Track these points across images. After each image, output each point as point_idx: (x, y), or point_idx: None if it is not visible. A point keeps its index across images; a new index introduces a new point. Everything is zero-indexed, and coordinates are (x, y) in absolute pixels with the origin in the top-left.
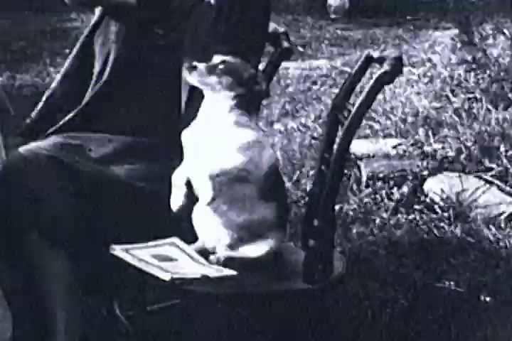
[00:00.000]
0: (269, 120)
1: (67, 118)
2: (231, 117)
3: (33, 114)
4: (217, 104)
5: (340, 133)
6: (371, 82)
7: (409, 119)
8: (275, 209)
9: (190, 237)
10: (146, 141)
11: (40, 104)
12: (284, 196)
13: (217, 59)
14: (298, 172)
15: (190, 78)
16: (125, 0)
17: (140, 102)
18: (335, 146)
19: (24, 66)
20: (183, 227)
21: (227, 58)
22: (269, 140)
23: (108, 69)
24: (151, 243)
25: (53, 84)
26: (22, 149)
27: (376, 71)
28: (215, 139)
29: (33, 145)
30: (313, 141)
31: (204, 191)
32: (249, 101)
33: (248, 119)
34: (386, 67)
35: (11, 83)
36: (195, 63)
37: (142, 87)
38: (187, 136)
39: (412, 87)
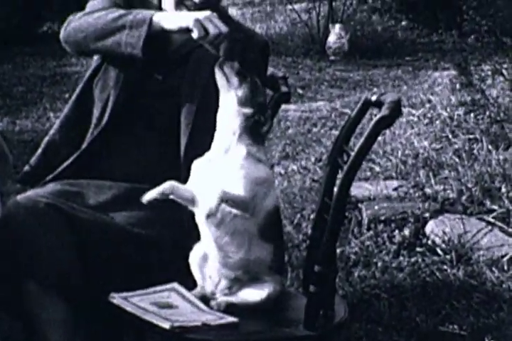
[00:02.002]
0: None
1: (65, 164)
2: (243, 148)
3: (32, 161)
4: (229, 124)
5: (339, 177)
6: (370, 126)
7: (410, 161)
8: (272, 251)
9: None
10: (146, 188)
11: (39, 151)
12: (282, 239)
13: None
14: (299, 215)
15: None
16: (130, 52)
17: (139, 148)
18: (335, 190)
19: (24, 111)
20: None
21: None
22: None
23: (107, 114)
24: (150, 289)
25: (52, 130)
26: (20, 197)
27: (376, 113)
28: (228, 168)
29: (31, 192)
30: (313, 184)
31: (207, 208)
32: (254, 130)
33: (257, 150)
34: (385, 111)
35: (11, 128)
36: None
37: (141, 132)
38: (198, 165)
39: (412, 128)
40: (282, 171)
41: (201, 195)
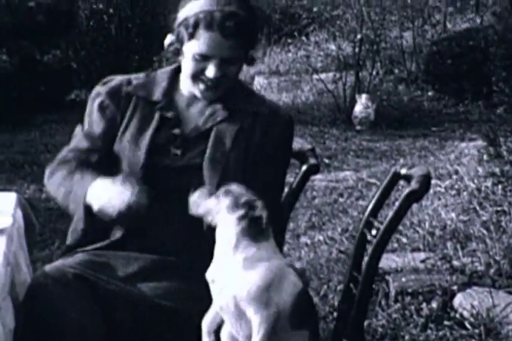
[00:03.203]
0: (295, 233)
1: (99, 244)
2: (239, 254)
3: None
4: (225, 234)
5: (368, 250)
6: (400, 200)
7: (437, 232)
8: (308, 337)
9: None
10: (172, 260)
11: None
12: (316, 323)
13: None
14: (325, 286)
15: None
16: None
17: (167, 221)
18: (363, 263)
19: None
20: None
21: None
22: (294, 263)
23: None
24: None
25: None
26: (48, 267)
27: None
28: (231, 278)
29: (59, 262)
30: (340, 255)
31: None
32: (253, 228)
33: (257, 249)
34: (414, 185)
35: (38, 196)
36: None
37: (168, 206)
38: (209, 275)
39: (439, 199)
40: (308, 241)
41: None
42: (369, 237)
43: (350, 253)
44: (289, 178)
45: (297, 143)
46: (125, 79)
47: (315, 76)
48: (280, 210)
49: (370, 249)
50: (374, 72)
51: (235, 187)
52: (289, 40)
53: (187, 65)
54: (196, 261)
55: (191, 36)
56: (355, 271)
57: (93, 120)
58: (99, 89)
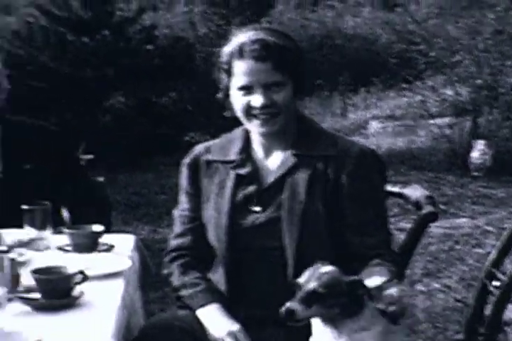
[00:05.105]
0: (410, 280)
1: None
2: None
3: None
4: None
5: (488, 300)
6: None
7: None
8: None
9: None
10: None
11: None
12: None
13: (306, 285)
14: (441, 336)
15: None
16: None
17: (252, 277)
18: (484, 315)
19: (166, 220)
20: None
21: (316, 284)
22: None
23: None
24: None
25: None
26: (157, 318)
27: None
28: None
29: (168, 314)
30: (457, 304)
31: None
32: (353, 308)
33: (357, 322)
34: None
35: (152, 237)
36: (288, 306)
37: (253, 262)
38: None
39: None
40: (424, 289)
41: None
42: (491, 288)
43: (467, 302)
44: (406, 224)
45: (414, 190)
46: (204, 147)
47: (431, 121)
48: (388, 238)
49: (491, 299)
50: (491, 118)
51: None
52: (405, 85)
53: (236, 104)
54: None
55: (228, 73)
56: (475, 322)
57: (181, 200)
58: (183, 161)
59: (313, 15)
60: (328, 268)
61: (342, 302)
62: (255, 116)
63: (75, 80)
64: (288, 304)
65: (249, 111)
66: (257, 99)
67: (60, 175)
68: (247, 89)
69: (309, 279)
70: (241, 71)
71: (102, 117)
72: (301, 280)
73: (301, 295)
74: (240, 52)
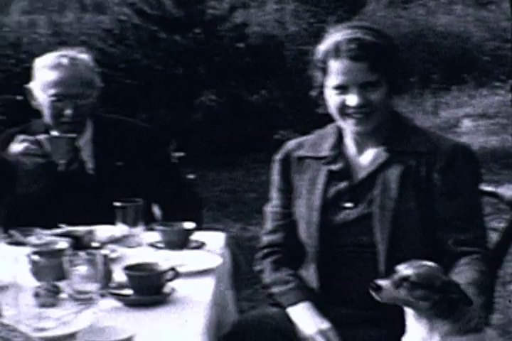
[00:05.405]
0: (502, 280)
1: None
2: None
3: None
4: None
5: None
6: None
7: None
8: None
9: None
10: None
11: None
12: None
13: (403, 271)
14: None
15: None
16: None
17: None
18: None
19: (256, 218)
20: None
21: (412, 272)
22: None
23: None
24: None
25: None
26: (248, 315)
27: None
28: None
29: (258, 311)
30: None
31: None
32: (445, 308)
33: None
34: None
35: (242, 235)
36: (378, 281)
37: (346, 264)
38: None
39: None
40: None
41: None
42: None
43: None
44: (499, 224)
45: (508, 189)
46: (296, 143)
47: None
48: (482, 235)
49: None
50: None
51: (423, 271)
52: (497, 84)
53: (330, 102)
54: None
55: (323, 72)
56: None
57: (273, 196)
58: (276, 157)
59: (404, 13)
60: (429, 263)
61: (434, 298)
62: (350, 115)
63: (167, 78)
64: (378, 280)
65: (343, 110)
66: (352, 99)
67: (151, 173)
68: (342, 89)
69: (408, 267)
70: (336, 70)
71: (193, 115)
72: (400, 267)
73: (394, 277)
74: (336, 52)
